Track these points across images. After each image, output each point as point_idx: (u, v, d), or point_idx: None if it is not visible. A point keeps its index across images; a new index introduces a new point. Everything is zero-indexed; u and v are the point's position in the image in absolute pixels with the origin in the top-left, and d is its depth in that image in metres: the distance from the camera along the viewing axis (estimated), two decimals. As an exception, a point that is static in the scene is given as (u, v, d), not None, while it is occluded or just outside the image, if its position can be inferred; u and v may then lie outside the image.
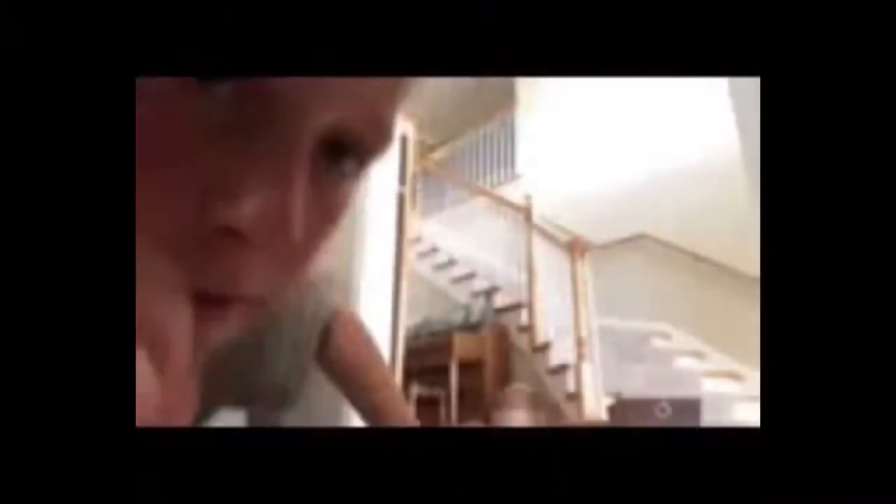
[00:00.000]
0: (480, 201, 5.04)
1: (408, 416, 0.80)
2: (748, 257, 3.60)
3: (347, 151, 0.23)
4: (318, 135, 0.22)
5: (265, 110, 0.20)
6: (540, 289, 3.91)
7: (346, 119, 0.22)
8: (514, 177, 5.78)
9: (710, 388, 3.55)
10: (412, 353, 3.25)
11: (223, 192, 0.20)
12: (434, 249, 5.32)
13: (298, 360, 0.65)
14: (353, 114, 0.22)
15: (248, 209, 0.20)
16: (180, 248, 0.20)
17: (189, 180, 0.20)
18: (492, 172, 6.02)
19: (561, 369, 3.47)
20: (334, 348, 0.71)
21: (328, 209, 0.24)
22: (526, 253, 4.12)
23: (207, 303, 0.21)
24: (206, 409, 0.56)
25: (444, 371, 3.91)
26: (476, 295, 4.58)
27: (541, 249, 4.01)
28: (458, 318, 4.43)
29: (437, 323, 4.56)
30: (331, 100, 0.21)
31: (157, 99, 0.19)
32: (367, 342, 0.79)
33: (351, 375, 0.75)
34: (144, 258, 0.18)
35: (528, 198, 4.29)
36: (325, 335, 0.71)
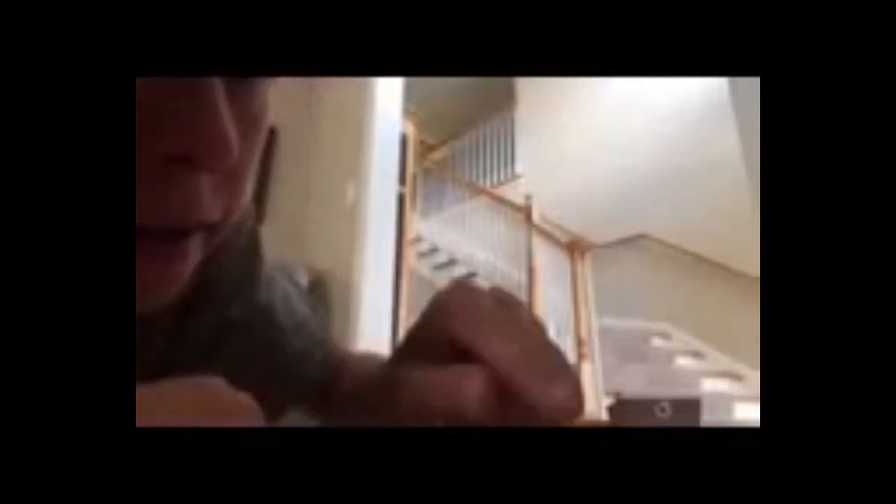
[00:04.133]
0: (480, 201, 5.04)
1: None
2: (748, 257, 3.60)
3: None
4: None
5: None
6: (540, 289, 3.90)
7: None
8: (514, 177, 5.78)
9: (709, 387, 3.55)
10: (412, 352, 3.23)
11: (162, 124, 0.20)
12: (434, 249, 5.31)
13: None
14: None
15: (189, 133, 0.20)
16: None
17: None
18: (492, 172, 6.02)
19: (561, 369, 3.45)
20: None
21: (251, 120, 0.25)
22: (526, 253, 4.12)
23: (171, 237, 0.22)
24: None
25: (444, 371, 3.89)
26: (476, 295, 4.57)
27: (541, 249, 4.00)
28: (458, 318, 4.41)
29: (437, 323, 4.54)
30: None
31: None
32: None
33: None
34: None
35: (528, 198, 4.29)
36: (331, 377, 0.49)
